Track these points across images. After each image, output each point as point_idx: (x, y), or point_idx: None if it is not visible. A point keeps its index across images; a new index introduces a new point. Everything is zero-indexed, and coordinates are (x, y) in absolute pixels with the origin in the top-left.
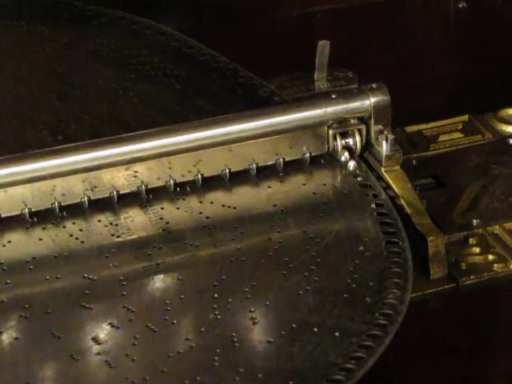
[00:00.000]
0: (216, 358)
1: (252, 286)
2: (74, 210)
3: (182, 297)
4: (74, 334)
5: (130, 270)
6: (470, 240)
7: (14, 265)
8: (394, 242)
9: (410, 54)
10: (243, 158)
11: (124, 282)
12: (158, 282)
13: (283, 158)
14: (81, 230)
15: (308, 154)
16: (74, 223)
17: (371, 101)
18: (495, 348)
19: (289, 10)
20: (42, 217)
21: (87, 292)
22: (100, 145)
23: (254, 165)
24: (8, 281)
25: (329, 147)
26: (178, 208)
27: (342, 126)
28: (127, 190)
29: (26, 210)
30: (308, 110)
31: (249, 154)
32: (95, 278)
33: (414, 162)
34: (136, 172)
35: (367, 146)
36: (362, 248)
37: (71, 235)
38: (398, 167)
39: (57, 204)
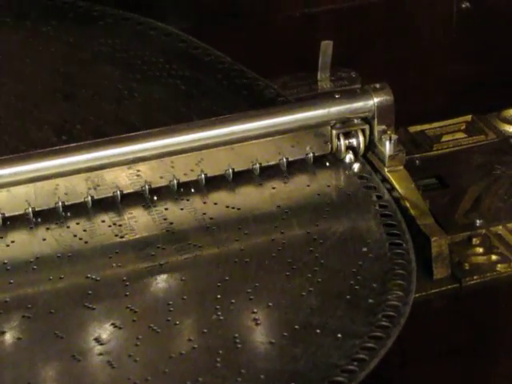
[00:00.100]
0: (218, 359)
1: (255, 287)
2: (78, 210)
3: (185, 297)
4: (76, 334)
5: (133, 271)
6: (474, 240)
7: (18, 265)
8: (398, 244)
9: (413, 54)
10: (246, 158)
11: (127, 283)
12: (161, 282)
13: (286, 158)
14: (84, 231)
15: (311, 154)
16: (77, 223)
17: (375, 101)
18: (498, 348)
19: (292, 10)
20: (46, 217)
21: (90, 292)
22: (103, 144)
23: (258, 165)
24: (11, 281)
25: (332, 147)
26: (181, 209)
27: (346, 125)
28: (130, 190)
29: (30, 210)
30: (311, 110)
31: (252, 153)
32: (98, 278)
33: (417, 162)
34: (139, 171)
35: (370, 146)
36: (365, 249)
37: (75, 235)
38: (401, 167)
39: (60, 203)
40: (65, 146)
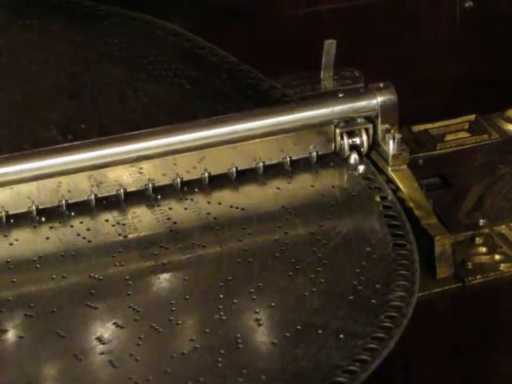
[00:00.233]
0: (219, 359)
1: (258, 287)
2: (82, 209)
3: (188, 297)
4: (78, 333)
5: (136, 270)
6: (477, 240)
7: (21, 263)
8: (402, 245)
9: (416, 54)
10: (250, 157)
11: (130, 282)
12: (164, 282)
13: (290, 157)
14: (88, 230)
15: (315, 153)
16: (81, 222)
17: (378, 100)
18: (501, 348)
19: (295, 9)
20: (50, 216)
21: (93, 291)
22: (106, 143)
23: (261, 163)
24: (14, 279)
25: (335, 146)
26: (185, 208)
27: (349, 125)
28: (133, 187)
29: (34, 207)
30: (315, 109)
31: (255, 152)
32: (101, 277)
33: (420, 161)
34: (141, 168)
35: (374, 145)
36: (369, 250)
37: (78, 234)
38: (404, 166)
39: (64, 201)
40: (68, 144)
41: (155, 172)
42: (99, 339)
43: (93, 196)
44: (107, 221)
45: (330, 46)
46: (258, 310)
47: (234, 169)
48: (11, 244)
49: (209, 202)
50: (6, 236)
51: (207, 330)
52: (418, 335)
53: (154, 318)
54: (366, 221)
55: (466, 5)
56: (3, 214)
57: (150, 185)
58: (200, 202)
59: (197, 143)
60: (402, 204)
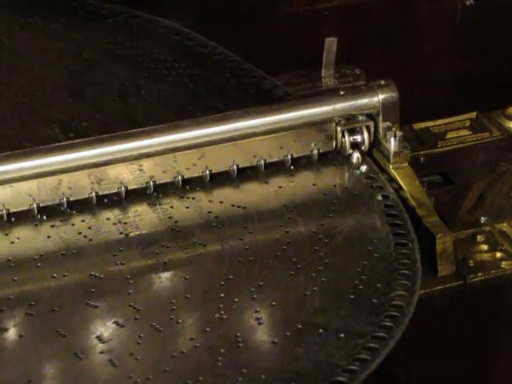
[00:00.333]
0: (219, 358)
1: (259, 286)
2: (83, 208)
3: (188, 296)
4: (78, 332)
5: (137, 268)
6: (478, 237)
7: (22, 262)
8: (403, 244)
9: (417, 51)
10: (250, 154)
11: (130, 281)
12: (165, 280)
13: (291, 155)
14: (89, 228)
15: (316, 151)
16: (82, 221)
17: (379, 97)
18: (503, 345)
19: (295, 6)
20: (51, 214)
21: (93, 290)
22: (107, 140)
23: (262, 161)
24: (15, 277)
25: (337, 144)
26: (187, 207)
27: (350, 122)
28: (133, 185)
29: (35, 205)
30: (316, 107)
31: (256, 150)
32: (102, 275)
33: (421, 158)
34: (141, 165)
35: (375, 142)
36: (370, 249)
37: (80, 233)
38: (406, 164)
39: (65, 199)
40: (69, 142)
41: (155, 169)
42: (99, 338)
43: (94, 194)
44: (108, 219)
45: (330, 43)
46: (258, 309)
47: (234, 166)
48: (12, 242)
49: (210, 201)
50: (7, 234)
51: (207, 329)
52: (419, 332)
53: (154, 317)
54: (368, 220)
55: (467, 2)
56: (4, 212)
57: (152, 183)
58: (201, 201)
59: (197, 141)
60: (404, 203)
